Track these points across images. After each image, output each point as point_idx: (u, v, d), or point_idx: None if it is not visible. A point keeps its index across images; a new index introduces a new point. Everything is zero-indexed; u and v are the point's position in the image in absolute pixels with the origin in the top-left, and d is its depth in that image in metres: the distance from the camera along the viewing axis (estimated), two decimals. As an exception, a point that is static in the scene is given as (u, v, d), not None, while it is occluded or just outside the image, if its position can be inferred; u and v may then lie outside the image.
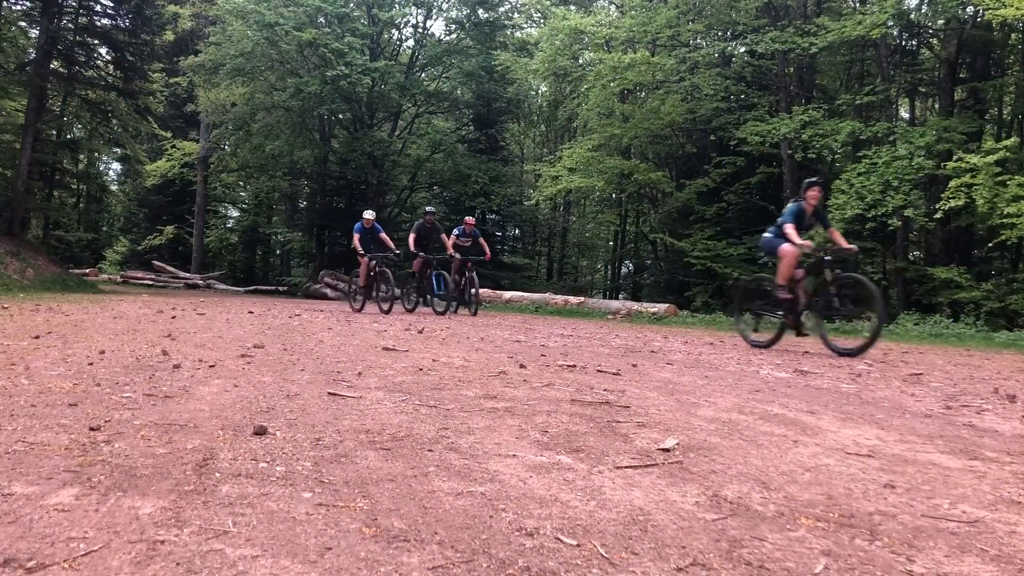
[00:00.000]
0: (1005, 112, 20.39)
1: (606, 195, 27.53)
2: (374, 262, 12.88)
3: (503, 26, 28.82)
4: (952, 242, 17.35)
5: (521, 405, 3.60)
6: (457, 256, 13.57)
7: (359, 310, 13.20)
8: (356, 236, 12.85)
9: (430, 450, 2.63)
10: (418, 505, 2.01)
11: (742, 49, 20.00)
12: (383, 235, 13.29)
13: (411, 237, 13.18)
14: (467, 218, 14.74)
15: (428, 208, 14.12)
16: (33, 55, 22.17)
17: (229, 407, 3.26)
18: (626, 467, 2.52)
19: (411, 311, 13.33)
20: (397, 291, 13.45)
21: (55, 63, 22.45)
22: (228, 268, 36.54)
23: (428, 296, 13.39)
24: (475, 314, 13.21)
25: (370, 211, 13.43)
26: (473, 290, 13.48)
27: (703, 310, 17.63)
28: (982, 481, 2.56)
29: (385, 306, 12.74)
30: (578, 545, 1.77)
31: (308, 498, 2.03)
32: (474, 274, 13.58)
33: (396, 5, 27.53)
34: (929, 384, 5.29)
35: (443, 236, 13.51)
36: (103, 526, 1.74)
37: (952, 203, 13.67)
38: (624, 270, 31.80)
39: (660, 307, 15.81)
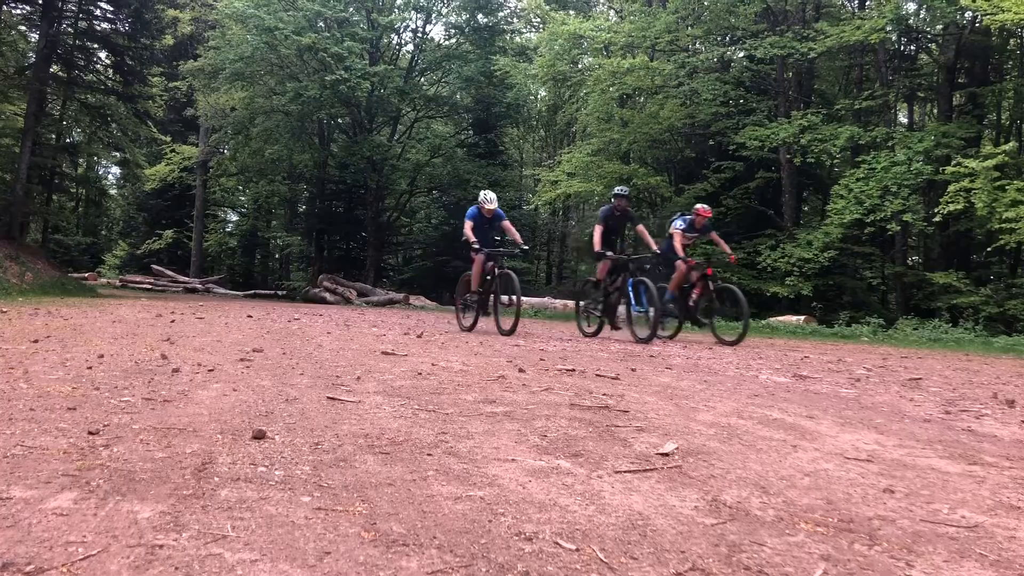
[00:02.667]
0: (1004, 117, 20.44)
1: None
2: (492, 261, 9.86)
3: (502, 31, 28.88)
4: (951, 247, 17.38)
5: (520, 409, 3.60)
6: (685, 261, 10.09)
7: (470, 328, 10.04)
8: (468, 224, 9.95)
9: (429, 454, 2.63)
10: (417, 509, 2.00)
11: (741, 54, 20.04)
12: (507, 223, 10.23)
13: (597, 230, 9.84)
14: (699, 206, 10.57)
15: (619, 189, 10.23)
16: (33, 59, 22.19)
17: (228, 411, 3.25)
18: (625, 472, 2.52)
19: (591, 334, 9.97)
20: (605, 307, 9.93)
21: (55, 67, 22.49)
22: (227, 272, 36.57)
23: (610, 313, 9.91)
24: (738, 342, 9.24)
25: (490, 192, 10.27)
26: (738, 309, 9.78)
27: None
28: (981, 486, 2.56)
29: (507, 324, 9.45)
30: (577, 550, 1.77)
31: (307, 502, 2.02)
32: (735, 290, 9.77)
33: (396, 10, 27.58)
34: (928, 389, 5.29)
35: (640, 228, 10.15)
36: (102, 530, 1.74)
37: (951, 208, 13.70)
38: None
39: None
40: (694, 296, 9.98)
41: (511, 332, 9.24)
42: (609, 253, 9.72)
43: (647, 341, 8.83)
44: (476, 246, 9.74)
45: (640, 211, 26.97)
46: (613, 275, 9.72)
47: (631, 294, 9.45)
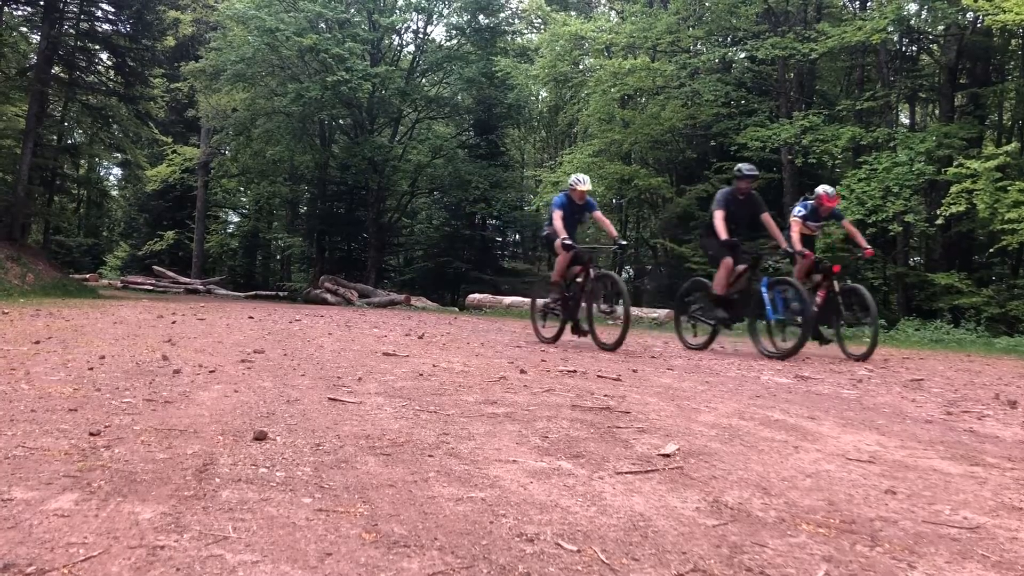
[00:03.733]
0: (1005, 118, 20.42)
1: (606, 200, 27.47)
2: (581, 263, 8.01)
3: (503, 32, 28.87)
4: (953, 248, 17.35)
5: (521, 411, 3.60)
6: (803, 255, 8.01)
7: (552, 339, 8.35)
8: (558, 215, 7.94)
9: (430, 456, 2.63)
10: (418, 511, 2.00)
11: (742, 55, 20.01)
12: (599, 214, 8.44)
13: (718, 217, 7.90)
14: (823, 189, 8.53)
15: (746, 168, 8.17)
16: (34, 60, 22.20)
17: (229, 412, 3.26)
18: (626, 473, 2.52)
19: (699, 347, 8.23)
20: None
21: (56, 68, 22.51)
22: (228, 273, 36.56)
23: (726, 320, 8.14)
24: (868, 356, 7.40)
25: (583, 175, 8.37)
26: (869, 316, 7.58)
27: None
28: (983, 487, 2.56)
29: (608, 338, 7.62)
30: (579, 551, 1.77)
31: (308, 503, 2.02)
32: (863, 292, 7.63)
33: (397, 11, 27.57)
34: (930, 390, 5.28)
35: (765, 216, 8.15)
36: (103, 531, 1.74)
37: (953, 209, 13.68)
38: (624, 276, 31.76)
39: (661, 313, 15.81)
40: (817, 301, 7.82)
41: (615, 347, 7.28)
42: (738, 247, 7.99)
43: (783, 357, 7.12)
44: (568, 243, 7.76)
45: (641, 212, 27.07)
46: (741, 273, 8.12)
47: (766, 297, 7.63)
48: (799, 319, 7.34)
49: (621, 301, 7.52)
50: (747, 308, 8.02)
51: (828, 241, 13.65)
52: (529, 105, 32.00)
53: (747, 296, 7.98)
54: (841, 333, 8.01)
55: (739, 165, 8.40)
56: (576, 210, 8.20)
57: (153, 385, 3.90)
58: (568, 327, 8.13)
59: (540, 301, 8.83)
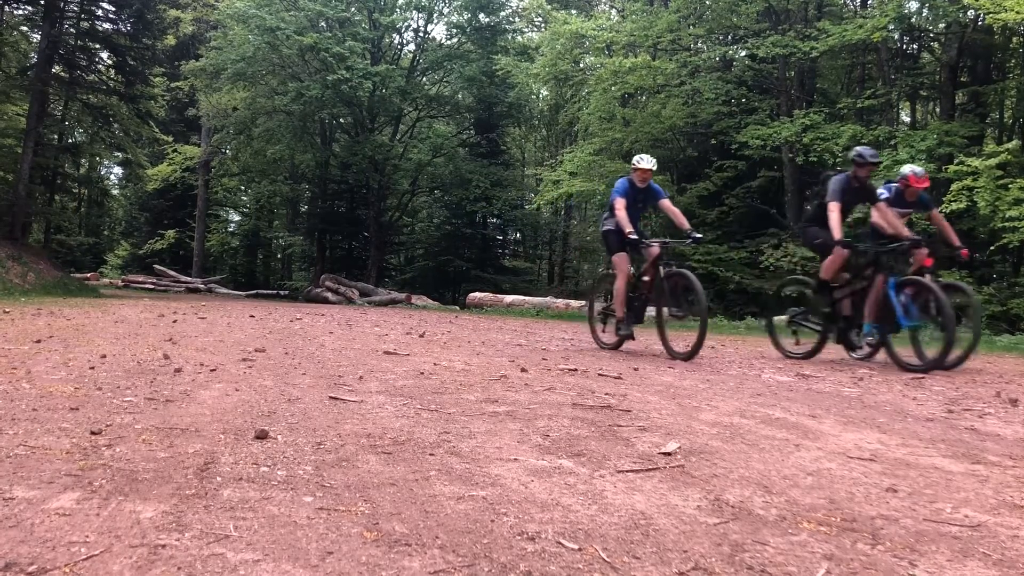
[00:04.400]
0: (1006, 116, 20.39)
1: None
2: (660, 257, 6.93)
3: (504, 30, 28.86)
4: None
5: (522, 409, 3.60)
6: (845, 241, 6.67)
7: (614, 345, 7.40)
8: (620, 203, 6.99)
9: (431, 454, 2.63)
10: (419, 509, 2.00)
11: (743, 53, 20.00)
12: (666, 202, 7.28)
13: (833, 209, 6.53)
14: (911, 170, 7.19)
15: (867, 153, 6.79)
16: (35, 60, 22.22)
17: (230, 411, 3.26)
18: (628, 471, 2.52)
19: (803, 356, 6.99)
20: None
21: (56, 68, 22.52)
22: (229, 272, 36.60)
23: (848, 331, 6.89)
24: (962, 362, 6.31)
25: (646, 155, 7.31)
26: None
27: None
28: (984, 485, 2.56)
29: (681, 343, 6.82)
30: (580, 549, 1.77)
31: (309, 502, 2.02)
32: (964, 288, 7.07)
33: (397, 9, 27.56)
34: (931, 388, 5.28)
35: (882, 207, 6.85)
36: (104, 530, 1.74)
37: (953, 206, 13.66)
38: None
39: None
40: (903, 299, 6.42)
41: (690, 356, 6.34)
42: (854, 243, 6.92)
43: (926, 371, 6.00)
44: (632, 235, 6.75)
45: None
46: (858, 271, 6.77)
47: (893, 299, 6.32)
48: (942, 320, 6.03)
49: (695, 302, 6.45)
50: (871, 316, 6.61)
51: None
52: (530, 104, 32.01)
53: (865, 302, 6.64)
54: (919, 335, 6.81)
55: (859, 149, 6.88)
56: (639, 197, 7.20)
57: (154, 384, 3.90)
58: (634, 332, 7.29)
59: (600, 303, 8.08)
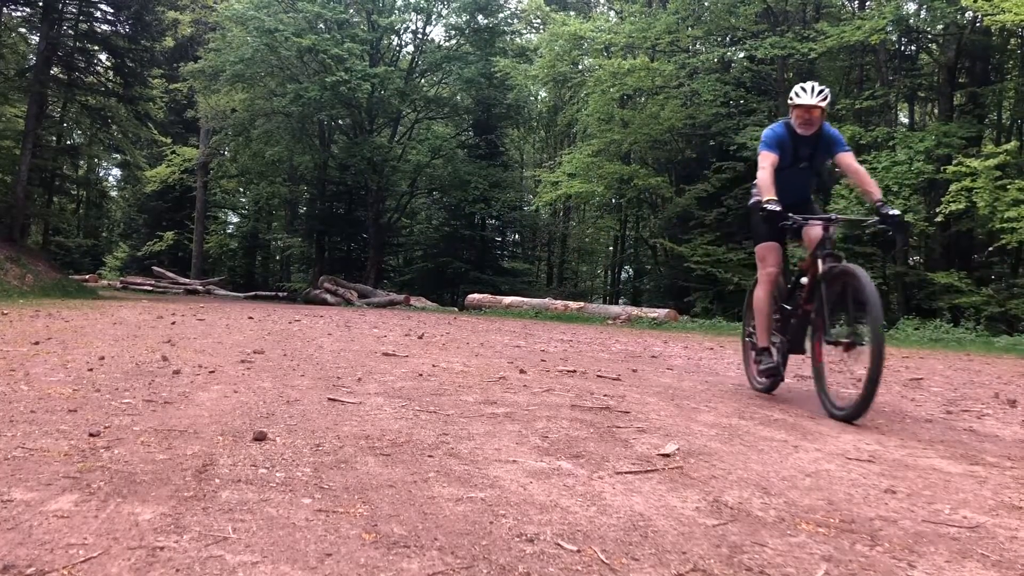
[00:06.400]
0: (1004, 116, 20.43)
1: (606, 200, 27.57)
2: (821, 246, 4.30)
3: (503, 32, 28.88)
4: (952, 247, 17.36)
5: (521, 411, 3.60)
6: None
7: (767, 388, 4.79)
8: (766, 159, 4.63)
9: (430, 456, 2.63)
10: (418, 511, 2.00)
11: (741, 54, 20.03)
12: (847, 158, 4.62)
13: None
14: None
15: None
16: (33, 61, 22.21)
17: (229, 413, 3.25)
18: (626, 472, 2.52)
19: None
20: None
21: (55, 69, 22.51)
22: (228, 274, 36.57)
23: None
24: None
25: (813, 85, 4.56)
26: None
27: (703, 315, 17.64)
28: (983, 486, 2.56)
29: (847, 394, 3.89)
30: (578, 551, 1.77)
31: (308, 504, 2.02)
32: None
33: (396, 11, 27.57)
34: (929, 389, 5.28)
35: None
36: (102, 532, 1.74)
37: (952, 207, 13.69)
38: (624, 275, 31.83)
39: (660, 312, 15.82)
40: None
41: (855, 414, 3.72)
42: None
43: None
44: (772, 208, 4.29)
45: (641, 212, 27.06)
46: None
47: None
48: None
49: (866, 321, 3.76)
50: None
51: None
52: (528, 105, 32.04)
53: None
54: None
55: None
56: (802, 151, 4.64)
57: (153, 386, 3.90)
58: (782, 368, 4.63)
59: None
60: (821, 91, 4.49)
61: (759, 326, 4.68)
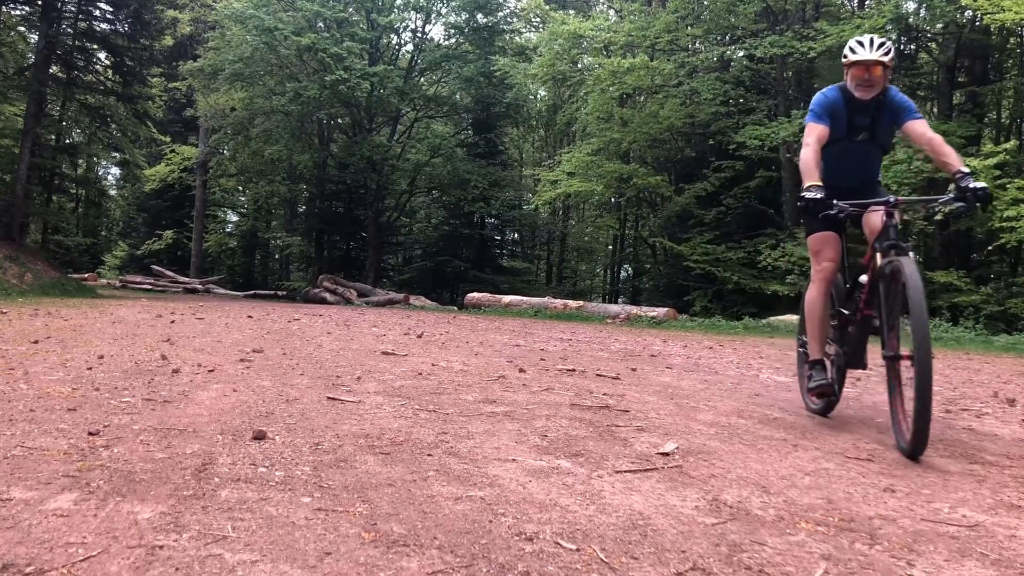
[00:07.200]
0: (1004, 116, 20.44)
1: (605, 199, 27.55)
2: (886, 236, 3.40)
3: (502, 31, 28.86)
4: (951, 246, 17.37)
5: (520, 409, 3.60)
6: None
7: (822, 411, 3.90)
8: (812, 131, 3.76)
9: (429, 455, 2.63)
10: (417, 510, 2.00)
11: (741, 53, 20.01)
12: (919, 124, 3.71)
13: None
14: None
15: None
16: (32, 60, 22.18)
17: (228, 412, 3.25)
18: (625, 471, 2.52)
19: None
20: None
21: (54, 68, 22.48)
22: (227, 273, 36.56)
23: None
24: None
25: (872, 38, 3.70)
26: None
27: (702, 314, 17.64)
28: (982, 485, 2.56)
29: (906, 418, 3.06)
30: (578, 550, 1.77)
31: (307, 503, 2.02)
32: None
33: (395, 10, 27.56)
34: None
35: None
36: (102, 531, 1.74)
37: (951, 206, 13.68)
38: (623, 274, 31.83)
39: (659, 311, 15.81)
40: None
41: (913, 449, 2.93)
42: None
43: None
44: (812, 194, 3.47)
45: (640, 211, 27.05)
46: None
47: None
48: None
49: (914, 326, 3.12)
50: None
51: None
52: (528, 104, 32.02)
53: None
54: None
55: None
56: (859, 119, 3.78)
57: (152, 385, 3.90)
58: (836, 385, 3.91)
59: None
60: (882, 44, 3.67)
61: (811, 334, 3.91)
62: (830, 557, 1.79)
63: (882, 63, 3.63)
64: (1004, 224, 13.00)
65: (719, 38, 20.93)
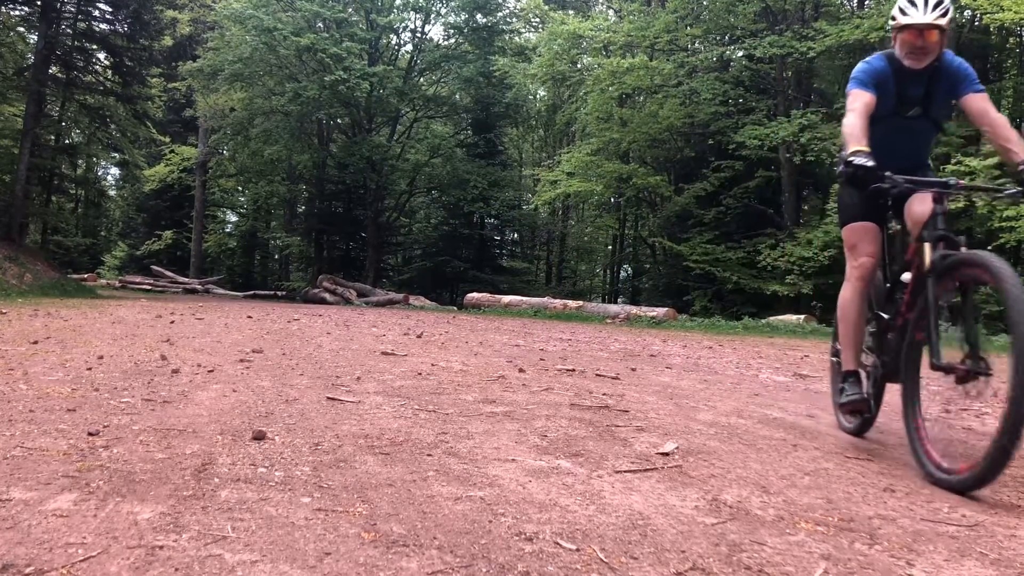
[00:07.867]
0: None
1: (605, 199, 27.58)
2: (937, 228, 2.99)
3: (501, 31, 28.87)
4: (950, 245, 17.37)
5: (520, 409, 3.60)
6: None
7: (856, 431, 3.40)
8: (857, 98, 3.18)
9: (429, 455, 2.63)
10: (417, 510, 2.00)
11: (740, 53, 20.02)
12: (980, 98, 3.13)
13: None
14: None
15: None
16: (31, 60, 22.17)
17: (228, 412, 3.25)
18: (625, 471, 2.52)
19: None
20: None
21: (54, 68, 22.47)
22: (227, 273, 36.54)
23: None
24: None
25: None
26: None
27: (702, 314, 17.64)
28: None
29: (952, 457, 2.74)
30: (577, 550, 1.77)
31: (307, 503, 2.02)
32: None
33: (394, 10, 27.57)
34: (928, 387, 5.28)
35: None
36: (102, 531, 1.74)
37: (951, 206, 13.69)
38: (623, 274, 31.84)
39: (659, 311, 15.81)
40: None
41: (979, 479, 2.39)
42: None
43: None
44: (860, 161, 2.87)
45: (639, 210, 27.05)
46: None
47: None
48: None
49: (1014, 344, 2.75)
50: None
51: None
52: (527, 104, 32.03)
53: None
54: None
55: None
56: (911, 91, 3.24)
57: (151, 385, 3.90)
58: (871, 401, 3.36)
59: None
60: (939, 3, 3.02)
61: (844, 341, 3.37)
62: (830, 557, 1.79)
63: (939, 26, 3.04)
64: (1004, 224, 13.00)
65: (718, 38, 20.94)
